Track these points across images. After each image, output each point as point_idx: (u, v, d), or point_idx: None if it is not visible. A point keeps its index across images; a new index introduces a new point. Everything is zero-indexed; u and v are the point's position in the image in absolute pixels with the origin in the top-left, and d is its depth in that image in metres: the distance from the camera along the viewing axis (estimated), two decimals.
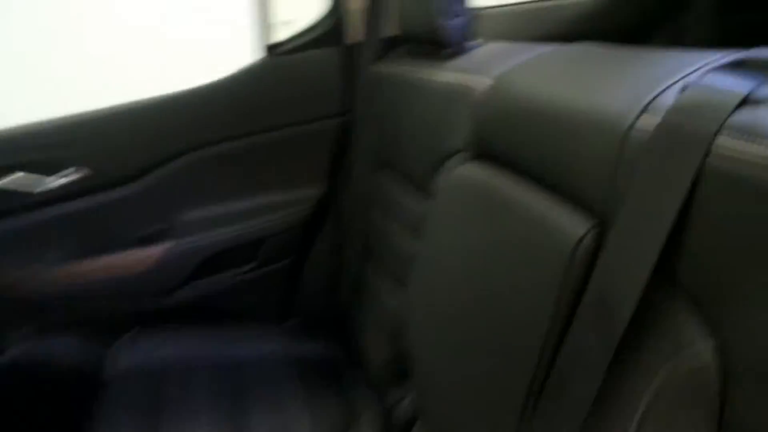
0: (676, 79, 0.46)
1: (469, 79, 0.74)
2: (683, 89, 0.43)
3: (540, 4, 1.28)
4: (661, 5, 1.27)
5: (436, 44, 0.85)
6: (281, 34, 1.10)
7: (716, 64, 0.45)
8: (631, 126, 0.44)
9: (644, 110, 0.45)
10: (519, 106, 0.60)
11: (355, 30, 1.09)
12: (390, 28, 1.05)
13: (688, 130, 0.39)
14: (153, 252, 1.07)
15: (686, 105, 0.41)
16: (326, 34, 1.10)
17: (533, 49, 0.74)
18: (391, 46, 1.05)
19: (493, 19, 1.21)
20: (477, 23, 0.91)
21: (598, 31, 1.28)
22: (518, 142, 0.59)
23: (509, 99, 0.63)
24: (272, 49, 1.09)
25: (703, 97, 0.40)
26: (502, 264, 0.57)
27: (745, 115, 0.37)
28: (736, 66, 0.44)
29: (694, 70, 0.46)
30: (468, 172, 0.68)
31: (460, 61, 0.82)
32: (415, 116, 0.87)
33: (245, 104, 1.08)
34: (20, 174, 0.97)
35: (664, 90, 0.45)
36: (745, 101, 0.38)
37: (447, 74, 0.80)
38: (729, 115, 0.38)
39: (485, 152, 0.66)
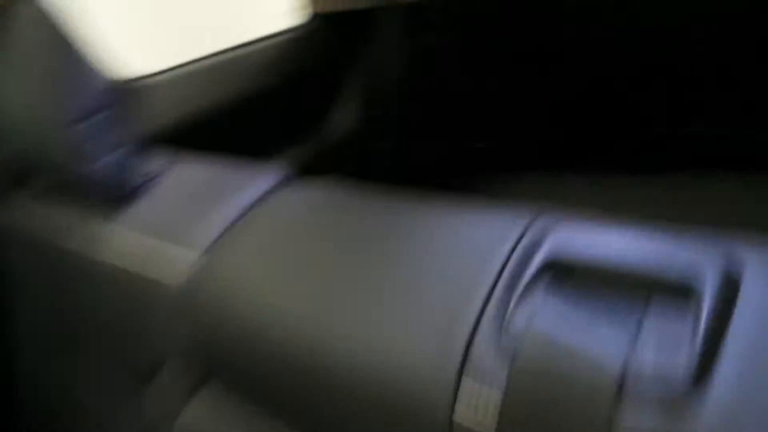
0: (478, 310, 0.31)
1: (155, 253, 0.50)
2: (499, 333, 0.31)
3: (214, 59, 1.08)
4: (346, 39, 1.19)
5: (88, 190, 0.57)
6: None
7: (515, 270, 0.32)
8: (455, 403, 0.29)
9: (461, 378, 0.29)
10: (254, 321, 0.40)
11: None
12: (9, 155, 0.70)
13: None
14: None
15: (534, 387, 0.26)
16: None
17: (237, 189, 0.53)
18: (18, 183, 0.69)
19: (163, 87, 0.95)
20: (145, 96, 0.66)
21: (286, 76, 1.15)
22: (269, 377, 0.39)
23: (234, 301, 0.42)
24: None
25: (558, 368, 0.26)
26: None
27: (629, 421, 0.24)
28: (561, 275, 0.31)
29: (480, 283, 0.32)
30: (195, 414, 0.45)
31: (133, 215, 0.55)
32: (79, 296, 0.58)
33: None
34: None
35: (472, 334, 0.30)
36: (623, 379, 0.25)
37: (116, 238, 0.54)
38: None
39: (217, 374, 0.44)
